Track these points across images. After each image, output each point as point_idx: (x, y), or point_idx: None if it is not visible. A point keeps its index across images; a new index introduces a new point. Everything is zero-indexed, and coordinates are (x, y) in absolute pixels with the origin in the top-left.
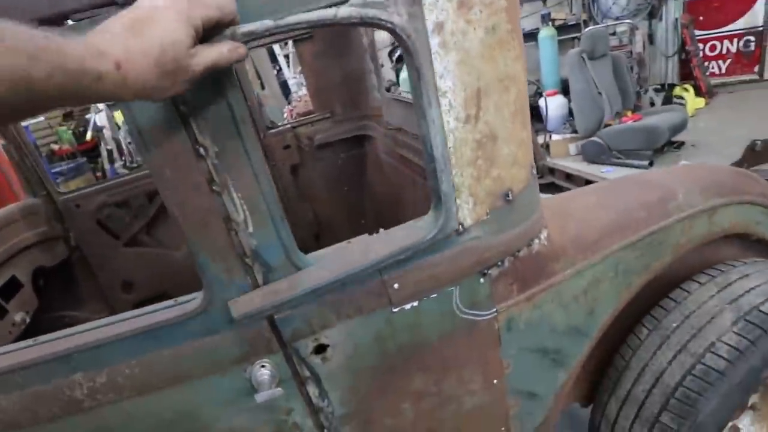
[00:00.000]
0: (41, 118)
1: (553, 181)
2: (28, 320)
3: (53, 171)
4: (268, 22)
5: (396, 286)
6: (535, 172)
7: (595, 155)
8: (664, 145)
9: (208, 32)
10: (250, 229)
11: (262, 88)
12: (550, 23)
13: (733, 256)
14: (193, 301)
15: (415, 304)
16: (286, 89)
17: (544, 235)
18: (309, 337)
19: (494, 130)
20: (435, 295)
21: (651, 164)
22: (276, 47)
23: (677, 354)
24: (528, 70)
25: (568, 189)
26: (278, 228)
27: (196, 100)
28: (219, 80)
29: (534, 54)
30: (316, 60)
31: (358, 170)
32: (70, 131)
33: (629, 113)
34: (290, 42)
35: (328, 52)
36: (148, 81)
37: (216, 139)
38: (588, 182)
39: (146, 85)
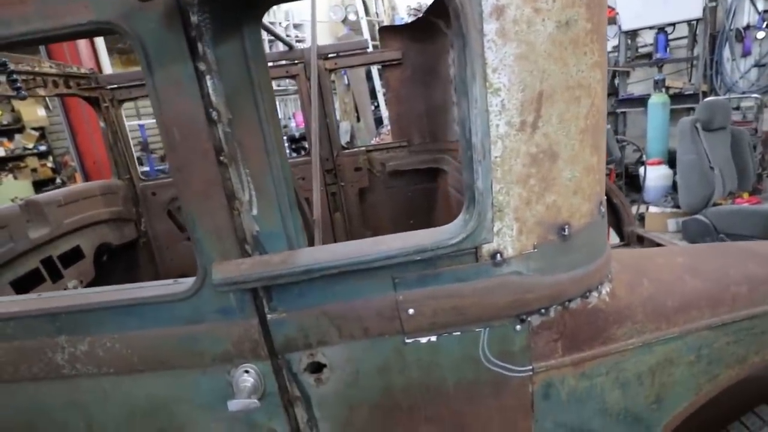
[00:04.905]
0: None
1: None
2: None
3: (157, 168)
4: None
5: (411, 311)
6: (604, 209)
7: (697, 235)
8: None
9: None
10: (254, 212)
11: (358, 120)
12: (663, 90)
13: None
14: (185, 283)
15: (433, 338)
16: (381, 124)
17: (607, 288)
18: (304, 350)
19: (555, 146)
20: (458, 332)
21: None
22: (377, 84)
23: None
24: (633, 137)
25: None
26: (284, 216)
27: (216, 58)
28: (243, 40)
29: (642, 120)
30: (402, 87)
31: (427, 204)
32: None
33: (746, 195)
34: None
35: (414, 79)
36: None
37: (231, 104)
38: None
39: None
